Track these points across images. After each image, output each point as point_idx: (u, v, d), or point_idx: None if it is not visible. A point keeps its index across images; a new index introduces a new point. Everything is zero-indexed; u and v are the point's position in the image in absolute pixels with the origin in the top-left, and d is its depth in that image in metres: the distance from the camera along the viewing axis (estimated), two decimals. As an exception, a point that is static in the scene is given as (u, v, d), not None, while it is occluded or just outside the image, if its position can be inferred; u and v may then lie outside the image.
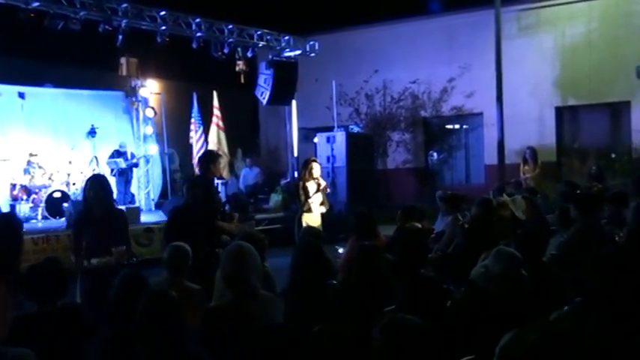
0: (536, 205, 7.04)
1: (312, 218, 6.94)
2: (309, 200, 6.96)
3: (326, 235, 6.63)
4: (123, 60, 13.35)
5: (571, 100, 14.69)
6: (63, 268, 3.33)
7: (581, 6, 14.31)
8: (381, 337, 2.05)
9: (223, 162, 12.75)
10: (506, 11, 13.73)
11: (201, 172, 6.31)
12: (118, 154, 12.47)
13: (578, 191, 7.16)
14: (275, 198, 13.65)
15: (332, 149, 12.71)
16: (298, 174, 7.59)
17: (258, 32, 12.37)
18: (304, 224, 6.86)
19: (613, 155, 13.81)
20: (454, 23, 15.70)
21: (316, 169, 7.12)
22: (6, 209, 10.78)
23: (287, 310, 3.51)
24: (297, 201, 7.16)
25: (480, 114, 15.46)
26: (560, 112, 14.89)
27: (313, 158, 7.45)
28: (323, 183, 7.17)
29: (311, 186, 7.02)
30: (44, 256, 4.23)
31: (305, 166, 7.20)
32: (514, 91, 13.87)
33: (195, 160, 12.73)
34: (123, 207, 11.06)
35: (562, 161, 14.59)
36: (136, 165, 12.95)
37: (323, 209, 7.07)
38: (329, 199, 7.87)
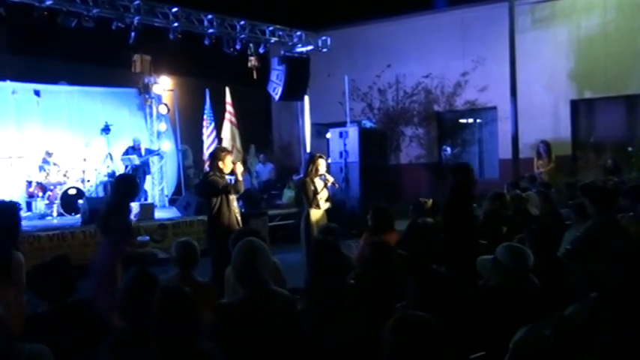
0: (551, 199, 6.99)
1: (319, 214, 6.93)
2: (318, 196, 6.93)
3: (339, 230, 6.63)
4: (136, 57, 13.45)
5: (587, 92, 14.51)
6: (72, 266, 3.33)
7: (596, -3, 14.14)
8: (391, 334, 2.04)
9: (237, 157, 12.84)
10: (520, 4, 13.59)
11: (210, 169, 6.34)
12: (132, 150, 12.56)
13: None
14: (288, 194, 13.66)
15: (345, 145, 12.66)
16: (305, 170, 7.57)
17: (270, 28, 12.37)
18: (312, 221, 6.85)
19: (630, 148, 13.63)
20: (467, 17, 15.58)
21: (322, 165, 7.11)
22: (23, 206, 10.91)
23: (305, 309, 3.47)
24: (304, 197, 7.13)
25: (494, 108, 15.34)
26: (575, 105, 14.71)
27: (319, 154, 7.42)
28: (331, 179, 7.14)
29: (317, 182, 7.01)
30: (59, 253, 4.27)
31: (311, 162, 7.18)
32: (529, 84, 13.75)
33: (205, 157, 12.81)
34: (137, 203, 11.19)
35: (577, 155, 14.42)
36: (158, 154, 13.14)
37: (328, 205, 7.06)
38: (339, 194, 7.84)
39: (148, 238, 5.64)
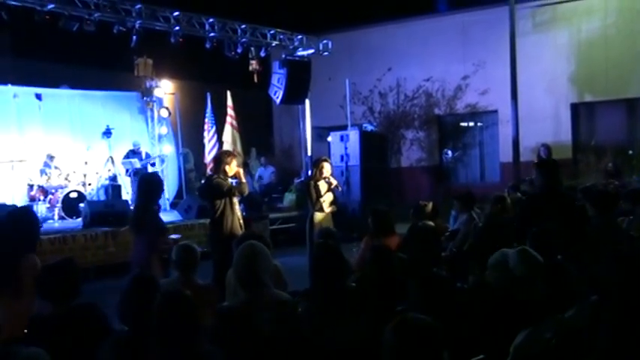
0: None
1: (324, 218, 6.96)
2: (321, 199, 6.97)
3: (340, 234, 6.66)
4: (138, 61, 13.47)
5: (587, 96, 14.53)
6: (78, 269, 3.34)
7: (597, 0, 14.15)
8: (392, 337, 2.04)
9: (237, 161, 12.85)
10: (520, 7, 13.61)
11: (213, 172, 6.34)
12: (132, 154, 12.57)
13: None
14: (289, 197, 13.67)
15: (345, 148, 12.67)
16: (310, 173, 7.63)
17: (271, 32, 12.38)
18: (316, 224, 6.87)
19: (630, 152, 13.64)
20: (468, 20, 15.61)
21: (327, 168, 7.13)
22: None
23: (306, 312, 3.47)
24: (308, 200, 7.17)
25: (495, 111, 15.36)
26: (576, 108, 14.73)
27: (324, 158, 7.45)
28: (334, 182, 7.17)
29: (322, 185, 7.04)
30: (60, 256, 4.27)
31: (316, 165, 7.22)
32: (529, 87, 13.76)
33: (207, 160, 12.82)
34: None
35: (578, 158, 14.42)
36: (153, 165, 13.05)
37: (334, 208, 7.10)
38: (340, 197, 7.85)
39: (179, 235, 5.81)
